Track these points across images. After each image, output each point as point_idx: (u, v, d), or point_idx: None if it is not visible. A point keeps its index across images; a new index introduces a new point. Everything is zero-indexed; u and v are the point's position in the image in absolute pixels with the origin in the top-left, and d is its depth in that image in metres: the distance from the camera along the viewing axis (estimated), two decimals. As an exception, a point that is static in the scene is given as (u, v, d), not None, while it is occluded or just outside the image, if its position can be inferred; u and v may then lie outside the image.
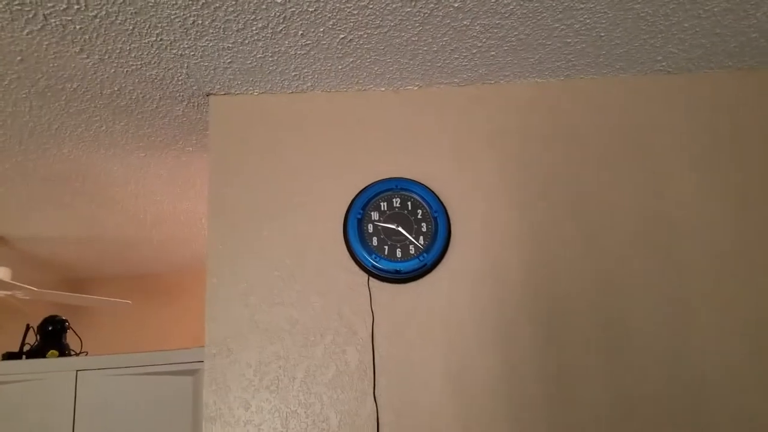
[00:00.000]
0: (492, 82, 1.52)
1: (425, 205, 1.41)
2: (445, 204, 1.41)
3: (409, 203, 1.41)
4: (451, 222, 1.41)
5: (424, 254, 1.36)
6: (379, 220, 1.40)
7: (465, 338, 1.36)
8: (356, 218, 1.38)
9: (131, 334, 3.21)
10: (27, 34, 1.23)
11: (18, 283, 2.55)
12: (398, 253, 1.38)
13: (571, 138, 1.50)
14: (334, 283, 1.39)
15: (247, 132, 1.49)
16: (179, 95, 1.52)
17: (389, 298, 1.38)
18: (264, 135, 1.48)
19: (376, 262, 1.35)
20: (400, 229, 1.39)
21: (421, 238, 1.39)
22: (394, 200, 1.42)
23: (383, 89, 1.52)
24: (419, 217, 1.41)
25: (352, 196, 1.43)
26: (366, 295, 1.38)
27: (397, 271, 1.35)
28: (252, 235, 1.42)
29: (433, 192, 1.41)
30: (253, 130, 1.49)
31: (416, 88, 1.52)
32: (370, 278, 1.39)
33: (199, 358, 1.58)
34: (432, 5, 1.22)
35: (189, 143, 1.81)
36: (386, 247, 1.38)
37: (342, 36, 1.31)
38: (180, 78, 1.44)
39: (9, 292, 2.57)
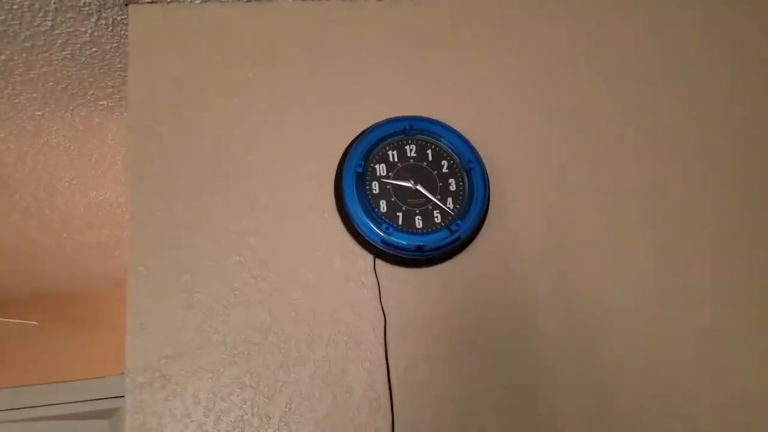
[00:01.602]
0: (526, -5, 1.13)
1: (453, 154, 0.98)
2: (479, 152, 0.99)
3: (428, 152, 0.99)
4: (489, 177, 0.99)
5: (458, 222, 0.93)
6: (387, 176, 0.96)
7: (531, 349, 0.93)
8: (354, 173, 0.94)
9: (39, 364, 2.58)
10: None
11: None
12: (418, 222, 0.94)
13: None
14: (324, 269, 0.94)
15: (185, 58, 1.02)
16: (85, 4, 1.03)
17: (408, 288, 0.94)
18: (211, 62, 1.02)
19: (388, 234, 0.91)
20: (419, 188, 0.96)
21: (450, 199, 0.96)
22: (407, 148, 0.98)
23: (382, -1, 1.09)
24: (445, 170, 0.98)
25: (347, 144, 0.98)
26: (372, 285, 0.93)
27: (419, 248, 0.92)
28: (197, 203, 0.94)
29: (462, 135, 0.99)
30: (194, 55, 1.02)
31: (427, -1, 1.11)
32: (378, 260, 0.95)
33: (118, 391, 1.08)
34: None
35: (103, 93, 1.31)
36: (400, 214, 0.94)
37: None
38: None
39: None
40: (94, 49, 1.15)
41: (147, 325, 0.88)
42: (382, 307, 0.92)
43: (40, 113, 1.37)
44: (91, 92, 1.31)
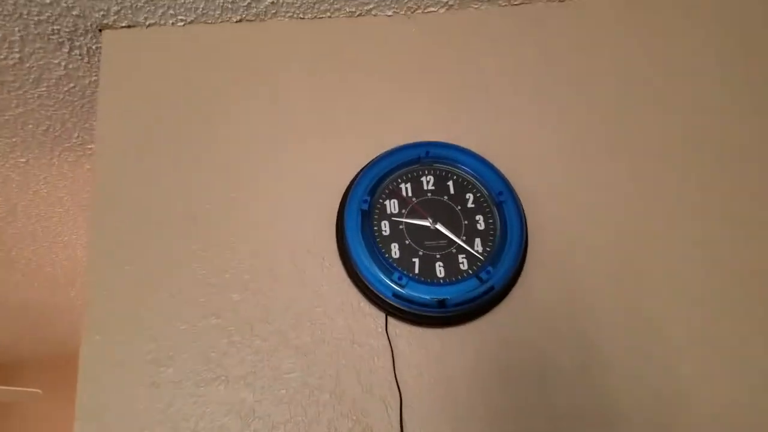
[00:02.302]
0: None
1: (479, 185, 0.80)
2: (510, 182, 0.80)
3: (449, 183, 0.81)
4: (525, 212, 0.80)
5: (488, 269, 0.74)
6: (400, 214, 0.78)
7: None
8: (358, 211, 0.76)
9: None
10: None
11: None
12: (439, 270, 0.75)
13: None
14: (324, 332, 0.75)
15: (164, 88, 0.88)
16: (53, 32, 0.91)
17: (428, 355, 0.74)
18: (194, 90, 0.88)
19: (401, 286, 0.72)
20: (439, 227, 0.78)
21: (478, 240, 0.77)
22: (423, 179, 0.81)
23: (390, 12, 0.94)
24: (471, 205, 0.79)
25: (351, 176, 0.81)
26: (384, 351, 0.74)
27: (442, 303, 0.72)
28: (167, 252, 0.78)
29: (489, 162, 0.81)
30: (176, 83, 0.88)
31: (443, 10, 0.95)
32: (391, 319, 0.75)
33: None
34: None
35: (91, 135, 1.18)
36: (416, 261, 0.75)
37: None
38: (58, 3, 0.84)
39: None
40: (71, 85, 1.03)
41: (102, 409, 0.70)
42: (396, 381, 0.72)
43: (23, 160, 1.25)
44: (76, 135, 1.19)
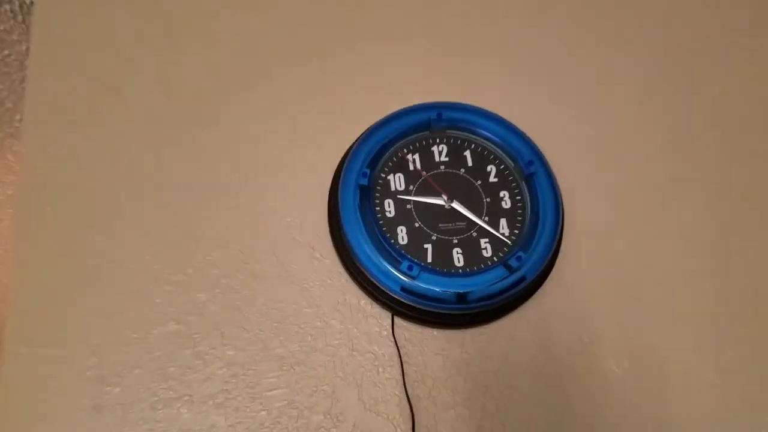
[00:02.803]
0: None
1: (503, 155, 0.66)
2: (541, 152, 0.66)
3: (467, 153, 0.66)
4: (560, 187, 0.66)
5: (519, 254, 0.60)
6: (407, 191, 0.64)
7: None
8: (356, 187, 0.61)
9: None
10: None
11: None
12: (458, 258, 0.61)
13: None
14: (315, 336, 0.60)
15: (110, 52, 0.72)
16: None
17: (446, 362, 0.60)
18: (148, 45, 0.72)
19: (412, 278, 0.57)
20: (455, 206, 0.63)
21: (504, 221, 0.63)
22: (435, 149, 0.66)
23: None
24: (493, 179, 0.65)
25: (347, 145, 0.67)
26: (391, 358, 0.59)
27: (462, 297, 0.58)
28: (113, 241, 0.62)
29: (515, 127, 0.67)
30: (129, 44, 0.73)
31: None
32: (398, 319, 0.61)
33: None
34: None
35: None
36: (429, 247, 0.61)
37: None
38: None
39: None
40: (5, 52, 0.86)
41: (26, 443, 0.53)
42: (407, 396, 0.57)
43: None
44: (18, 117, 1.01)
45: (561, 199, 0.64)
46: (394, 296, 0.59)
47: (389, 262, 0.58)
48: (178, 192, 0.64)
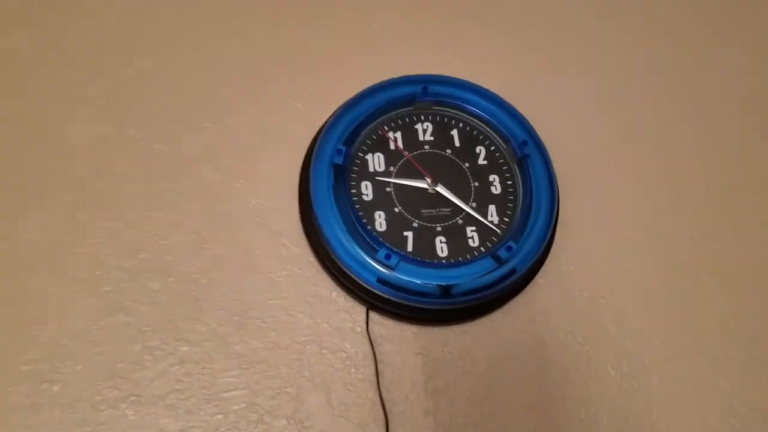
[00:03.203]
0: None
1: (494, 135, 0.60)
2: (535, 131, 0.60)
3: (454, 132, 0.60)
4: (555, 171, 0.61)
5: (509, 244, 0.54)
6: (387, 173, 0.57)
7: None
8: (330, 166, 0.55)
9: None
10: None
11: None
12: (441, 248, 0.55)
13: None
14: (279, 335, 0.53)
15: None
16: None
17: (427, 363, 0.54)
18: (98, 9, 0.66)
19: (390, 268, 0.51)
20: (440, 189, 0.57)
21: (493, 208, 0.57)
22: (419, 127, 0.60)
23: None
24: (482, 161, 0.59)
25: (323, 119, 0.60)
26: (365, 357, 0.53)
27: (446, 290, 0.52)
28: (51, 219, 0.55)
29: (507, 103, 0.61)
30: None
31: None
32: (373, 314, 0.55)
33: None
34: None
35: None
36: (410, 235, 0.55)
37: None
38: None
39: None
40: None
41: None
42: (381, 400, 0.51)
43: None
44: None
45: (557, 184, 0.58)
46: (370, 288, 0.53)
47: (365, 251, 0.52)
48: (131, 166, 0.58)
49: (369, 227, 0.54)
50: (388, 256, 0.51)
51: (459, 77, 0.61)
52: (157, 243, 0.55)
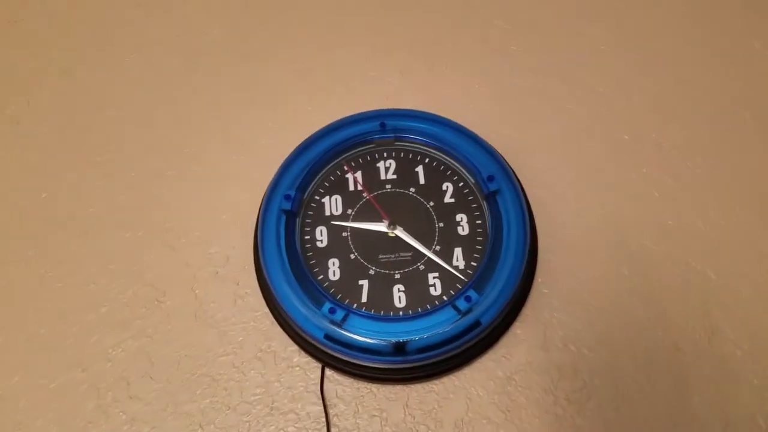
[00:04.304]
0: None
1: (462, 170, 0.55)
2: (509, 165, 0.54)
3: (419, 168, 0.55)
4: (532, 207, 0.54)
5: (469, 293, 0.48)
6: (344, 216, 0.54)
7: None
8: (279, 213, 0.52)
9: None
10: None
11: None
12: (399, 298, 0.50)
13: None
14: (229, 393, 0.51)
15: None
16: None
17: (386, 427, 0.49)
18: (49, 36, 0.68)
19: (336, 325, 0.47)
20: (399, 233, 0.52)
21: (459, 251, 0.51)
22: (381, 165, 0.56)
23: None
24: (449, 199, 0.54)
25: (278, 163, 0.58)
26: (317, 420, 0.49)
27: (399, 347, 0.47)
28: (6, 278, 0.56)
29: (476, 135, 0.55)
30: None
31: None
32: (330, 371, 0.51)
33: None
34: None
35: None
36: (365, 283, 0.50)
37: None
38: None
39: None
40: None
41: None
42: (331, 468, 0.47)
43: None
44: None
45: (532, 221, 0.51)
46: (319, 345, 0.49)
47: (312, 304, 0.49)
48: (88, 219, 0.58)
49: (320, 277, 0.51)
50: (332, 310, 0.47)
51: (424, 110, 0.56)
52: (116, 297, 0.55)
